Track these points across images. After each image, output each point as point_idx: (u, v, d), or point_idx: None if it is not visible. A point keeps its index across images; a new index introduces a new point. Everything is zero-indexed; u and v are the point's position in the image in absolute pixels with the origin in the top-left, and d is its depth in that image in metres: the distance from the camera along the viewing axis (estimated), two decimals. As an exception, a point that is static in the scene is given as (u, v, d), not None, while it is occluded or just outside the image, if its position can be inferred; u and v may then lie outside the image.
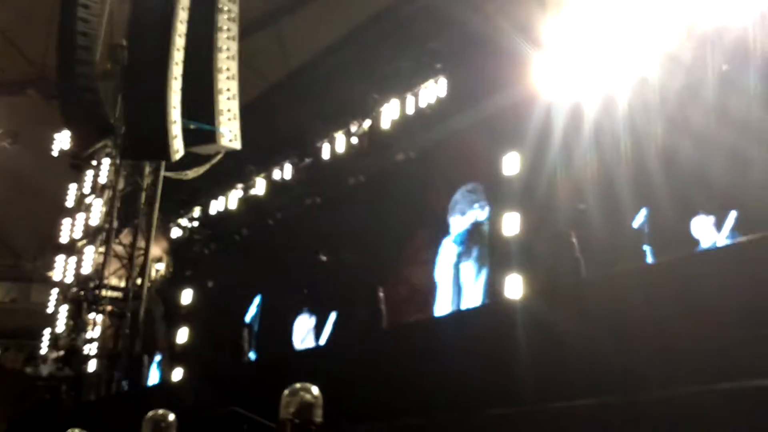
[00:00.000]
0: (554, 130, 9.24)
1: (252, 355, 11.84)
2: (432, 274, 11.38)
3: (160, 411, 5.52)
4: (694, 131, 7.68)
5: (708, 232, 6.93)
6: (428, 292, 11.31)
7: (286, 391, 4.53)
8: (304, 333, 12.28)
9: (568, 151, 9.08)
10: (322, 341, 11.19)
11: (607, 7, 9.10)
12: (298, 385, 4.57)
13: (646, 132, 8.23)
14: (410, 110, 12.29)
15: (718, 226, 6.81)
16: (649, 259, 6.94)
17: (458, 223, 11.45)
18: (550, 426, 5.34)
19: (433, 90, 12.01)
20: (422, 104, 12.13)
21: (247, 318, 12.97)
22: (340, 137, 13.43)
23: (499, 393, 5.88)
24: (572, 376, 5.47)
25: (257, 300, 13.17)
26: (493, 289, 10.15)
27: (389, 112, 12.59)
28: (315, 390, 4.55)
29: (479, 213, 11.14)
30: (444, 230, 11.47)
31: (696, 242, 7.00)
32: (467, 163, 11.27)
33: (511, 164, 10.10)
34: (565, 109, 9.20)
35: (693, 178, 7.67)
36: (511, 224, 9.85)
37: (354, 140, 13.24)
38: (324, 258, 13.11)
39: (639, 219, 7.17)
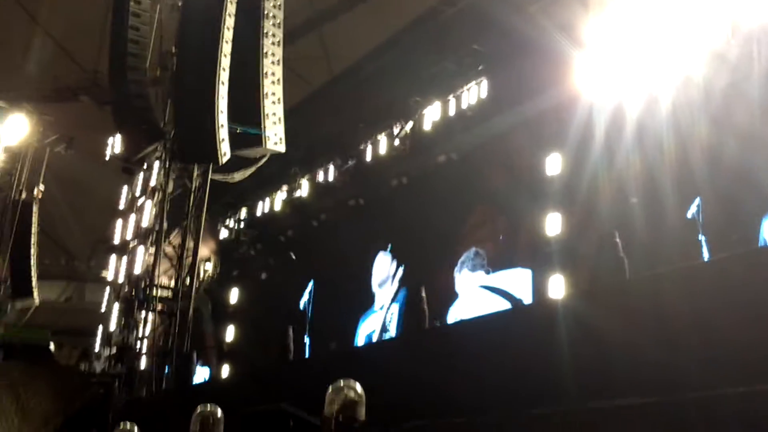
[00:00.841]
0: (597, 131, 9.21)
1: (306, 340, 12.15)
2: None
3: (209, 406, 5.72)
4: (740, 129, 7.59)
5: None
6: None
7: (330, 389, 4.63)
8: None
9: (611, 151, 9.04)
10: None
11: (651, 6, 9.02)
12: (341, 383, 4.67)
13: (691, 131, 8.15)
14: (452, 112, 12.34)
15: None
16: (704, 250, 6.90)
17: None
18: (594, 426, 5.35)
19: (474, 92, 12.04)
20: (464, 106, 12.17)
21: (301, 304, 13.32)
22: (382, 139, 13.56)
23: (542, 393, 5.91)
24: (616, 376, 5.46)
25: (310, 286, 13.46)
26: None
27: (431, 115, 12.66)
28: (358, 387, 4.65)
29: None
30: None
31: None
32: (509, 163, 11.27)
33: (553, 165, 10.08)
34: (607, 109, 9.15)
35: (738, 176, 7.57)
36: (553, 224, 9.83)
37: (396, 142, 13.35)
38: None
39: (692, 209, 7.12)
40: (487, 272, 11.38)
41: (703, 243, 6.96)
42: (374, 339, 12.41)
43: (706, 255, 7.36)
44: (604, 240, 8.21)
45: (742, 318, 4.89)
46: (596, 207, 9.09)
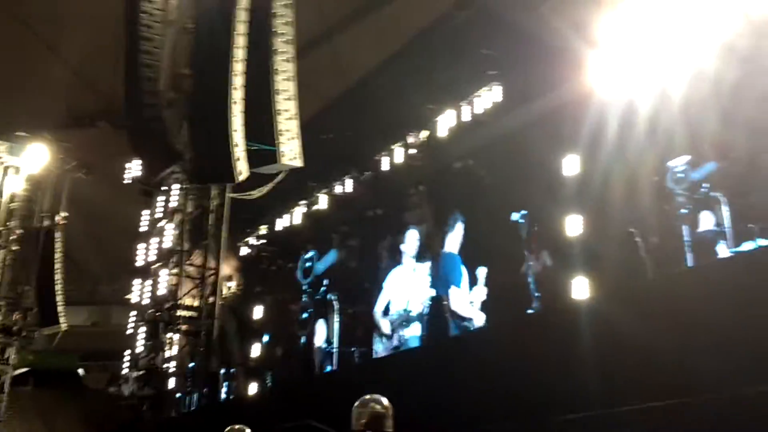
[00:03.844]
0: (612, 129, 9.14)
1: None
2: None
3: (237, 426, 5.74)
4: (751, 123, 7.50)
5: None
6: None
7: (356, 403, 4.65)
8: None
9: (626, 149, 8.96)
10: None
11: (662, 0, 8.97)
12: (368, 397, 4.68)
13: (702, 125, 8.05)
14: (466, 118, 12.34)
15: None
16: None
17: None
18: (621, 430, 5.29)
19: (488, 96, 12.03)
20: (478, 111, 12.16)
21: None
22: (397, 149, 13.59)
23: (567, 398, 5.86)
24: (641, 379, 5.41)
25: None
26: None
27: (446, 121, 12.67)
28: (385, 401, 4.66)
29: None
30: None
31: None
32: (526, 166, 11.21)
33: (570, 165, 10.02)
34: (621, 107, 9.09)
35: (750, 170, 7.48)
36: (574, 226, 9.75)
37: (412, 151, 13.36)
38: None
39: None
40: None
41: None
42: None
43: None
44: (624, 239, 8.17)
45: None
46: (615, 206, 9.02)
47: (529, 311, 9.29)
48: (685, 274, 6.08)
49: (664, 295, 5.82)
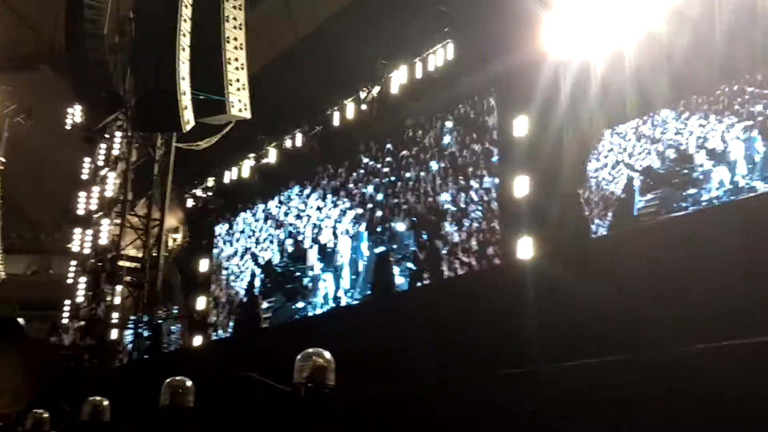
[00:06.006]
0: (563, 91, 9.19)
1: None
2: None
3: (178, 377, 5.71)
4: (701, 87, 7.62)
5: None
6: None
7: (299, 357, 4.66)
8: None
9: (576, 111, 9.04)
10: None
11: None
12: (310, 350, 4.70)
13: (654, 88, 8.15)
14: (419, 75, 12.25)
15: None
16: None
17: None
18: (559, 386, 5.41)
19: (441, 54, 11.95)
20: (430, 68, 12.08)
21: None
22: (349, 104, 13.43)
23: (509, 353, 5.96)
24: (581, 336, 5.53)
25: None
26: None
27: (398, 78, 12.56)
28: (327, 354, 4.69)
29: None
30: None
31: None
32: (477, 126, 11.26)
33: (520, 126, 10.07)
34: (573, 69, 9.13)
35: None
36: (521, 186, 9.86)
37: (363, 107, 13.23)
38: None
39: None
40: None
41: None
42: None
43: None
44: (568, 200, 8.29)
45: (702, 276, 4.96)
46: (562, 168, 9.12)
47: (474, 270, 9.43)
48: (627, 234, 6.19)
49: (605, 255, 5.94)
